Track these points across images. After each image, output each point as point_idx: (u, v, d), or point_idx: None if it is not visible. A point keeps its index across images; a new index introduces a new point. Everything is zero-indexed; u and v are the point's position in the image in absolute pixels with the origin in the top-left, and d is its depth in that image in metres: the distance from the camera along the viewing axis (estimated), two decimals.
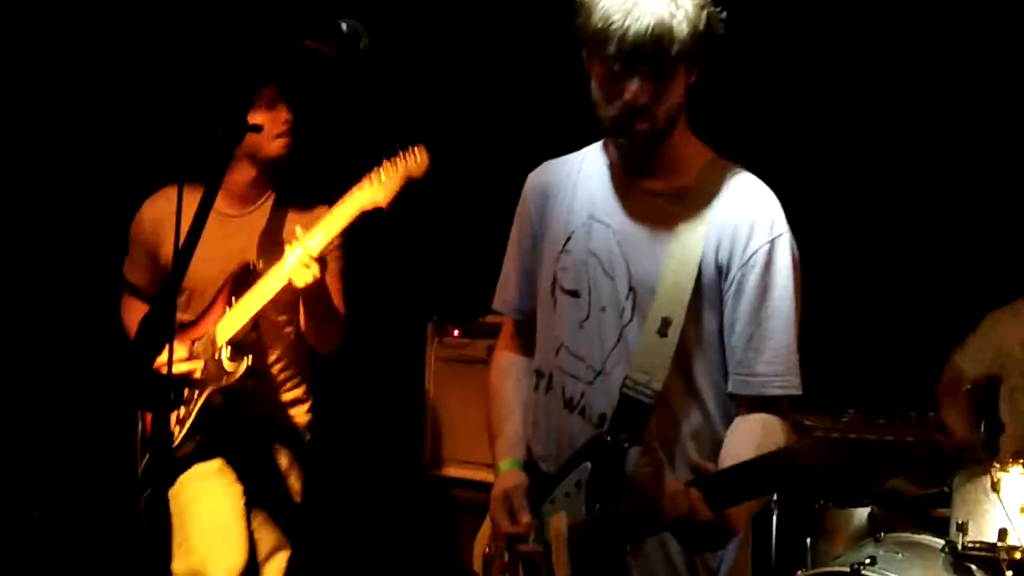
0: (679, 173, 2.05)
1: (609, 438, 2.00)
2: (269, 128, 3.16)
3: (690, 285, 1.97)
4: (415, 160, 2.95)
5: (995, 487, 3.34)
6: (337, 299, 3.26)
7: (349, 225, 2.96)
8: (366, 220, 2.98)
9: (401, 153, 2.94)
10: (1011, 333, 3.97)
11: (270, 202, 3.29)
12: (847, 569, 3.26)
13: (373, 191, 2.94)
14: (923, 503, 3.83)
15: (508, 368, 2.30)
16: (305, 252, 2.92)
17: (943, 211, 4.02)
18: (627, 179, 2.08)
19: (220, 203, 3.22)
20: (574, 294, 2.08)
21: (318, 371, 3.42)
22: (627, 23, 1.85)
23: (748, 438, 1.94)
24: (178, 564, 3.06)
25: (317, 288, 3.00)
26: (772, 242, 1.98)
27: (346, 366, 4.17)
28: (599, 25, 1.88)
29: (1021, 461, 3.38)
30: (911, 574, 3.31)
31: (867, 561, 3.28)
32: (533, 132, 3.98)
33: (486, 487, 3.80)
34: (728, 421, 2.05)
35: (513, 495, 2.11)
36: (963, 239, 4.02)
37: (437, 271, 4.35)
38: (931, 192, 4.01)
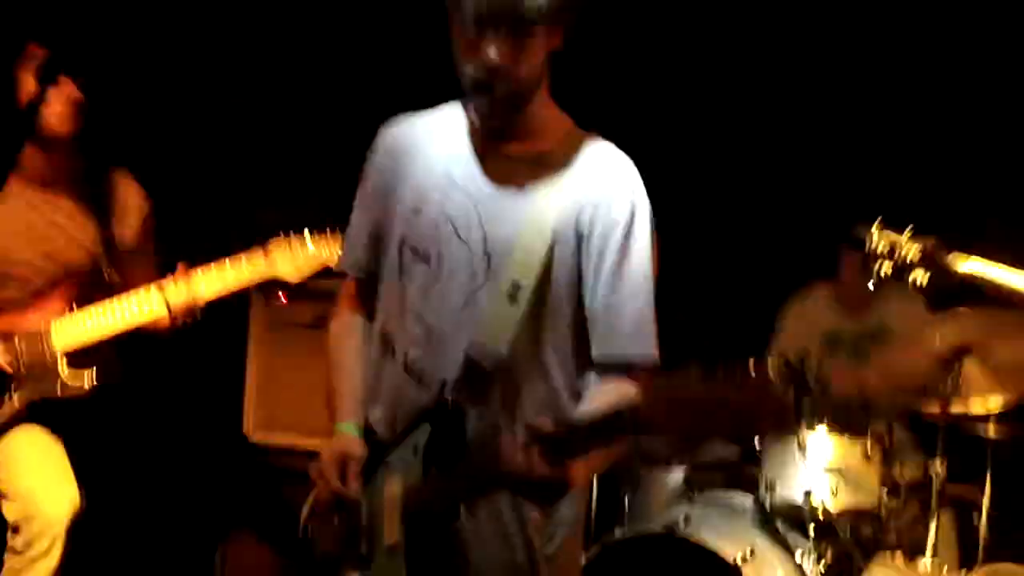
0: (540, 139, 2.03)
1: (450, 402, 1.97)
2: (52, 102, 3.03)
3: (544, 251, 1.96)
4: (333, 251, 2.94)
5: (802, 447, 3.52)
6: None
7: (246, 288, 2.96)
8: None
9: (322, 235, 2.97)
10: (809, 322, 4.25)
11: (79, 179, 3.19)
12: (663, 530, 3.37)
13: (287, 268, 2.98)
14: (736, 464, 4.00)
15: (350, 330, 2.21)
16: (192, 297, 2.91)
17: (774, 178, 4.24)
18: (486, 142, 2.04)
19: (21, 187, 3.11)
20: (424, 258, 2.03)
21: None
22: None
23: (601, 402, 1.93)
24: (10, 511, 3.04)
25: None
26: (633, 212, 1.99)
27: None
28: None
29: (826, 422, 3.58)
30: (722, 532, 3.45)
31: (682, 520, 3.41)
32: (371, 91, 3.93)
33: (311, 454, 3.80)
34: (573, 395, 2.05)
35: (350, 461, 2.06)
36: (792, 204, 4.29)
37: (265, 233, 4.25)
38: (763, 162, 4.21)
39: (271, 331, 3.98)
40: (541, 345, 2.01)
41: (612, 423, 1.73)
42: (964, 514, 3.54)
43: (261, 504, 3.84)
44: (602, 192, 1.99)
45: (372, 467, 2.06)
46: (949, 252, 2.27)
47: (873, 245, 2.28)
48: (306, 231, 2.93)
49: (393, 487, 1.99)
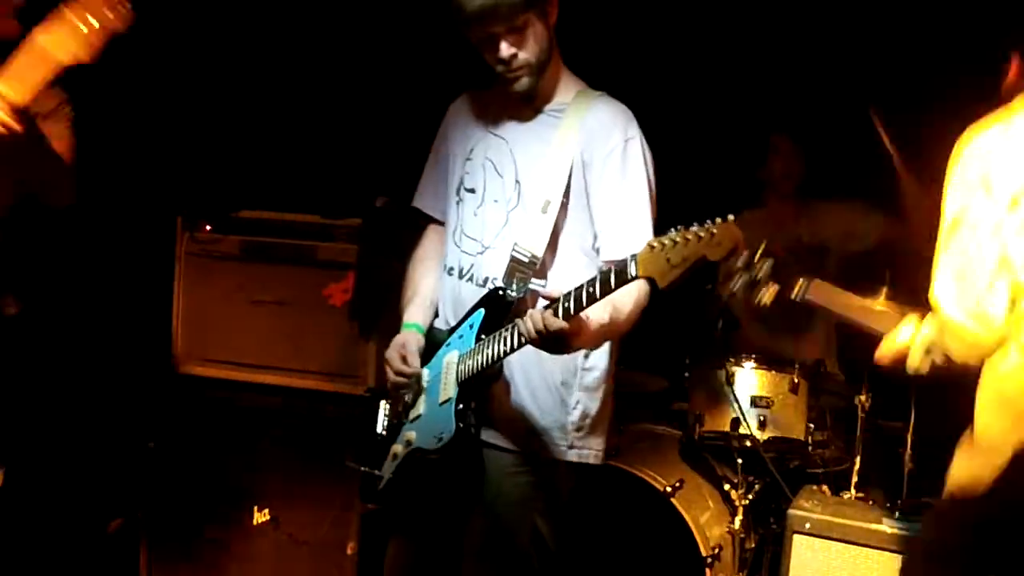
0: (558, 97, 2.62)
1: (501, 292, 2.52)
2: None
3: (565, 175, 2.53)
4: (120, 13, 2.59)
5: (730, 380, 3.56)
6: (67, 153, 2.94)
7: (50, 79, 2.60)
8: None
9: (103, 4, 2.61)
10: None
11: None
12: None
13: (71, 44, 2.56)
14: (665, 397, 4.05)
15: (422, 256, 2.81)
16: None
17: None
18: (519, 103, 2.62)
19: None
20: (471, 191, 2.66)
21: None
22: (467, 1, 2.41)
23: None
24: None
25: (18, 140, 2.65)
26: (626, 142, 2.54)
27: (90, 260, 3.95)
28: (453, 8, 2.44)
29: (754, 357, 3.62)
30: (652, 463, 3.50)
31: (612, 452, 3.44)
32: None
33: (237, 386, 3.78)
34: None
35: (409, 346, 2.64)
36: None
37: (189, 163, 4.16)
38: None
39: (197, 262, 3.90)
40: (568, 244, 2.55)
41: (610, 275, 2.17)
42: (892, 451, 3.61)
43: (186, 433, 3.81)
44: (602, 131, 2.55)
45: (436, 350, 2.64)
46: (795, 276, 2.53)
47: (734, 262, 2.44)
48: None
49: (450, 356, 2.56)
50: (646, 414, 4.03)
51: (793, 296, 2.50)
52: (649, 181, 2.55)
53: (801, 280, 2.50)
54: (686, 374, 3.75)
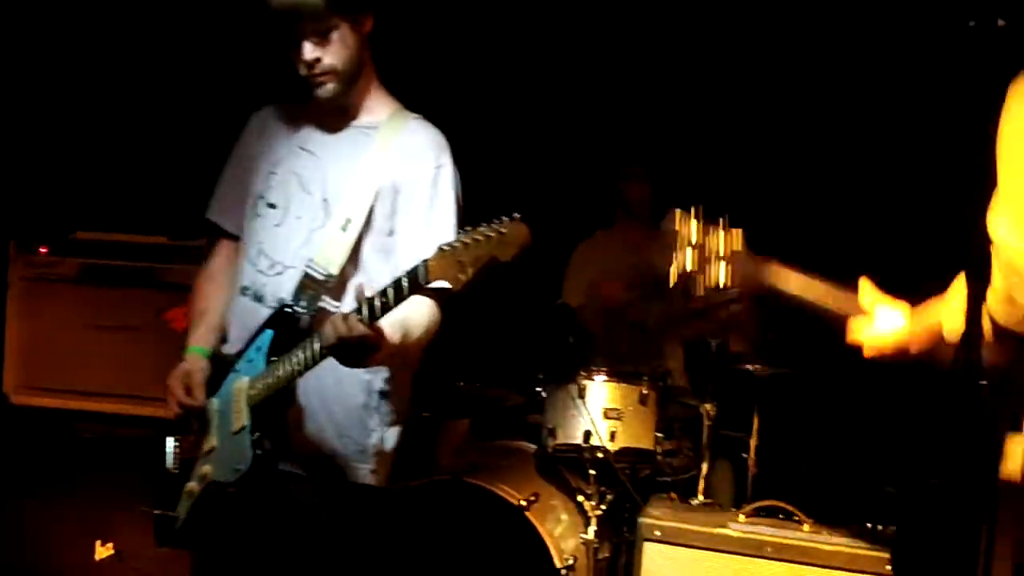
0: (371, 116, 2.56)
1: (289, 309, 2.42)
2: None
3: (371, 195, 2.47)
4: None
5: (582, 394, 3.61)
6: None
7: None
8: None
9: None
10: (591, 261, 4.38)
11: None
12: (450, 477, 3.41)
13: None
14: (520, 410, 4.08)
15: (213, 271, 2.67)
16: None
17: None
18: (332, 118, 2.56)
19: None
20: (273, 206, 2.53)
21: None
22: None
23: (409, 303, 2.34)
24: None
25: None
26: (437, 169, 2.51)
27: None
28: (261, 5, 2.37)
29: (604, 370, 3.68)
30: (507, 478, 3.51)
31: (468, 468, 3.44)
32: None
33: (75, 416, 3.65)
34: None
35: (192, 375, 2.50)
36: None
37: (22, 183, 4.01)
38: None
39: (32, 287, 3.75)
40: (366, 264, 2.48)
41: (406, 279, 2.13)
42: (737, 459, 3.72)
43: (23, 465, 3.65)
44: (415, 154, 2.51)
45: (223, 376, 2.49)
46: (759, 256, 2.28)
47: (682, 233, 2.31)
48: None
49: (239, 384, 2.43)
50: (502, 429, 4.05)
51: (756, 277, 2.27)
52: (456, 209, 2.51)
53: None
54: (539, 388, 3.78)
